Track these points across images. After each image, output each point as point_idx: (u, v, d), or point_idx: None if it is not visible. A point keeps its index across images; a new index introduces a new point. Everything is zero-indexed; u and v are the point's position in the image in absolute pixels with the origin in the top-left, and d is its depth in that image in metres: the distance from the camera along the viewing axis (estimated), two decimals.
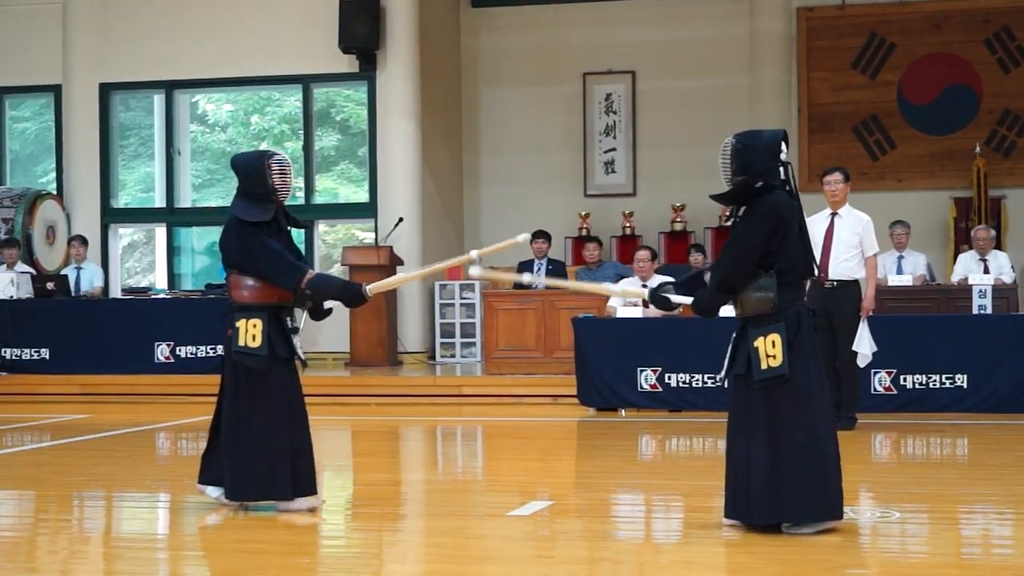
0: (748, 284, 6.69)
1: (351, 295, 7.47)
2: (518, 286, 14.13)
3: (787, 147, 6.83)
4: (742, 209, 6.81)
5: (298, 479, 7.41)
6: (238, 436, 7.34)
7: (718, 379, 6.84)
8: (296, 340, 7.50)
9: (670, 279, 7.36)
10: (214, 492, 7.57)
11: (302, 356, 7.60)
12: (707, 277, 6.97)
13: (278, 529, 7.07)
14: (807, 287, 7.30)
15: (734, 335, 6.86)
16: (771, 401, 6.63)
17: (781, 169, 6.77)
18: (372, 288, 7.50)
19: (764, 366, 6.60)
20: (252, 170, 7.45)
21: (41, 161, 20.80)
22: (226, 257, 7.50)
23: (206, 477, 7.62)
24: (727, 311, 6.94)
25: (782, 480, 6.57)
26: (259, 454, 7.30)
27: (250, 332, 7.29)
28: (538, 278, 7.52)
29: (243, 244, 7.37)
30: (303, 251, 19.25)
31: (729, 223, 6.99)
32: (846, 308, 11.28)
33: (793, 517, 6.61)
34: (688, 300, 7.00)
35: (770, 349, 6.60)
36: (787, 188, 6.78)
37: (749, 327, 6.71)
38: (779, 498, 6.57)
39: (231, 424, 7.38)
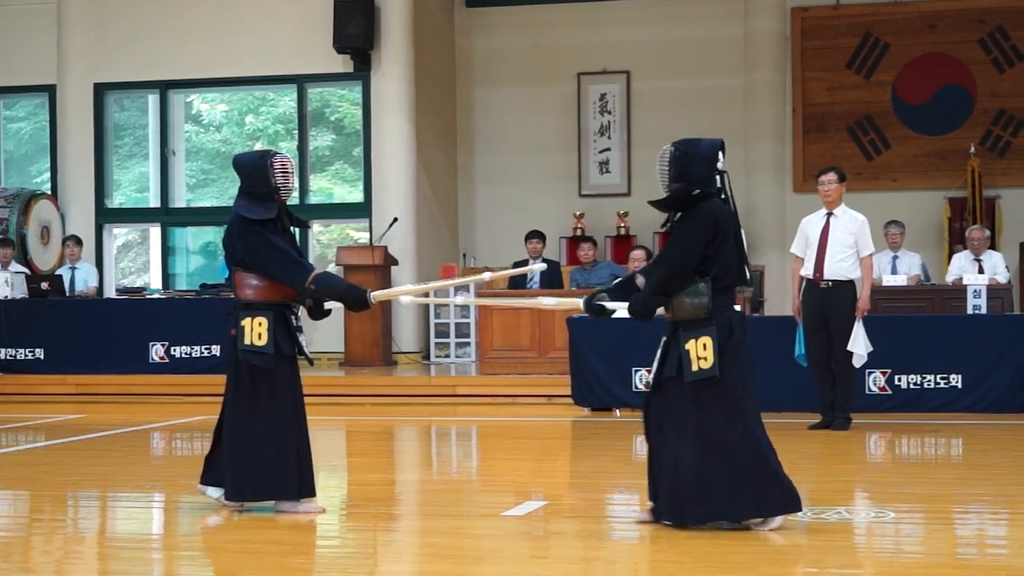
0: (683, 289, 6.77)
1: (354, 298, 7.43)
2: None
3: (724, 156, 6.92)
4: (678, 215, 6.92)
5: (302, 480, 7.39)
6: (241, 436, 7.30)
7: (646, 380, 6.90)
8: (302, 338, 7.47)
9: (604, 287, 7.38)
10: (215, 493, 7.54)
11: (308, 354, 7.56)
12: (639, 281, 7.06)
13: (273, 529, 7.06)
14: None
15: (664, 338, 6.93)
16: (701, 402, 6.71)
17: (718, 177, 6.88)
18: (376, 295, 7.47)
19: (695, 368, 6.70)
20: (254, 170, 7.45)
21: (36, 161, 20.78)
22: (230, 255, 7.46)
23: (208, 478, 7.59)
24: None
25: (715, 479, 6.64)
26: (264, 454, 7.25)
27: (256, 331, 7.24)
28: (471, 298, 7.47)
29: (247, 242, 7.34)
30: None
31: (665, 229, 7.09)
32: (841, 308, 11.28)
33: (730, 515, 6.68)
34: (623, 305, 7.05)
35: (701, 351, 6.70)
36: (723, 196, 6.90)
37: (681, 330, 6.80)
38: (713, 497, 6.64)
39: (234, 424, 7.33)
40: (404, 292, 8.18)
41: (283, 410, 7.32)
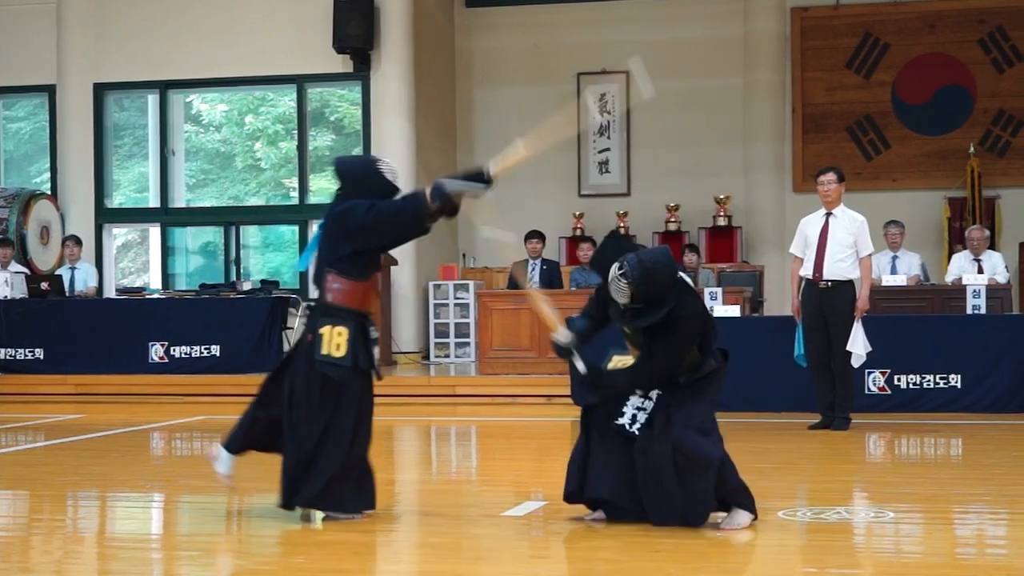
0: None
1: (479, 180, 7.28)
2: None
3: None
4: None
5: (361, 493, 7.26)
6: (299, 443, 7.08)
7: (628, 428, 6.80)
8: (375, 350, 7.29)
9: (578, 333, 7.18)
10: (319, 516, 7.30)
11: (377, 367, 7.39)
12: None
13: (273, 529, 7.06)
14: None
15: (656, 392, 6.86)
16: (703, 394, 6.85)
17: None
18: (495, 169, 7.29)
19: (696, 377, 6.85)
20: (365, 172, 7.32)
21: (35, 161, 20.78)
22: (335, 243, 7.14)
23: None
24: None
25: (728, 483, 6.76)
26: (314, 463, 7.08)
27: (334, 340, 7.02)
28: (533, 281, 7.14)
29: (363, 211, 7.11)
30: (297, 250, 19.30)
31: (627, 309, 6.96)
32: (840, 308, 11.27)
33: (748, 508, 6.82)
34: (582, 368, 6.98)
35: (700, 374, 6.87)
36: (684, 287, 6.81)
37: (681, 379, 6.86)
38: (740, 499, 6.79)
39: (293, 430, 7.09)
40: (517, 158, 7.69)
41: (342, 423, 7.13)
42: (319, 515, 7.21)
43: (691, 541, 6.47)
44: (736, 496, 6.75)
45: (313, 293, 7.32)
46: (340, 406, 7.10)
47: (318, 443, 7.07)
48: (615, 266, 6.67)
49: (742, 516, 6.75)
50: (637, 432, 6.78)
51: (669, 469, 6.66)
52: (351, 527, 7.11)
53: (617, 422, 6.85)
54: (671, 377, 6.82)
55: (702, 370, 6.84)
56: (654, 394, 6.87)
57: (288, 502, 7.13)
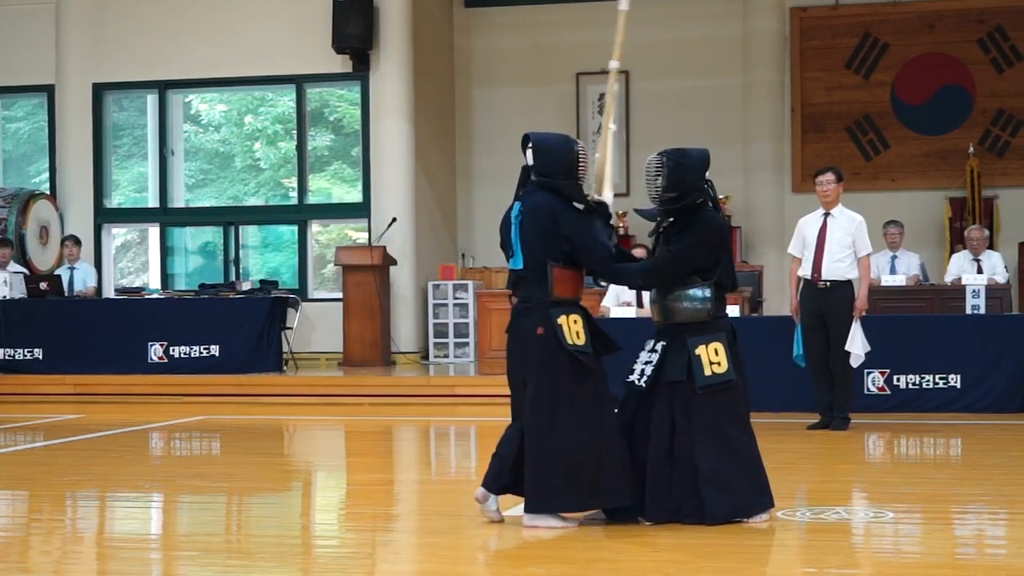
0: (682, 292, 6.92)
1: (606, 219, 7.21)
2: None
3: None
4: (669, 221, 7.06)
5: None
6: (563, 442, 6.84)
7: (637, 383, 6.71)
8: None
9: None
10: (493, 505, 7.09)
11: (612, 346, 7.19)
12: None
13: (272, 529, 7.05)
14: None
15: (661, 343, 6.96)
16: (712, 405, 6.81)
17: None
18: (604, 198, 7.22)
19: (708, 372, 6.79)
20: (565, 154, 7.25)
21: (34, 161, 20.78)
22: (547, 240, 6.95)
23: (503, 486, 7.13)
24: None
25: (733, 479, 6.79)
26: (589, 461, 6.83)
27: (573, 329, 6.84)
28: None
29: (577, 219, 7.02)
30: (297, 250, 19.28)
31: (652, 236, 7.14)
32: (839, 308, 11.27)
33: (751, 510, 6.84)
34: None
35: (713, 356, 6.80)
36: (713, 204, 7.03)
37: (686, 335, 6.87)
38: (735, 495, 6.78)
39: (550, 429, 6.85)
40: (605, 174, 7.47)
41: (603, 412, 6.91)
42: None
43: (690, 540, 6.47)
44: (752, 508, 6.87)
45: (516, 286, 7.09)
46: (599, 394, 6.89)
47: (595, 435, 6.86)
48: (653, 155, 7.07)
49: (758, 519, 6.86)
50: (644, 385, 6.90)
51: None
52: (346, 526, 7.11)
53: (628, 379, 7.01)
54: (670, 280, 6.90)
55: (714, 321, 6.89)
56: (659, 346, 6.96)
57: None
